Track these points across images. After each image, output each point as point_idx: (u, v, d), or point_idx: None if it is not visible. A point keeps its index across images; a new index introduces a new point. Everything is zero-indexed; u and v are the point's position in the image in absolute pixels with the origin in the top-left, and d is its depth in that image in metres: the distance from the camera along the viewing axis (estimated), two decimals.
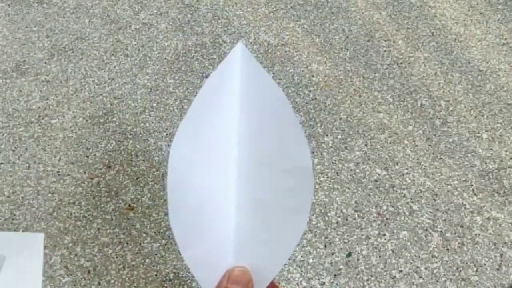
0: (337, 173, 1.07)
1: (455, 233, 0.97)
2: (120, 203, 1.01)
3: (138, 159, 1.09)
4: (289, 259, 0.93)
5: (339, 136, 1.14)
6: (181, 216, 0.38)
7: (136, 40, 1.38)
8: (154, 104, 1.21)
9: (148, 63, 1.31)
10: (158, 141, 1.13)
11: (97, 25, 1.43)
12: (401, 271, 0.91)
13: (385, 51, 1.36)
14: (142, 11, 1.48)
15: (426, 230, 0.97)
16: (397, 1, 1.52)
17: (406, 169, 1.08)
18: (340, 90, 1.25)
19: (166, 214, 0.99)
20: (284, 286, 0.89)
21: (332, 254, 0.94)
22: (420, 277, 0.91)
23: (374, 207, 1.01)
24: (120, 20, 1.45)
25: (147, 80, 1.27)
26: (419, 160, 1.09)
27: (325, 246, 0.95)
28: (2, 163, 1.08)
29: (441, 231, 0.97)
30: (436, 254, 0.94)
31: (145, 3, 1.51)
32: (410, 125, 1.17)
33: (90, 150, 1.11)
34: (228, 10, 1.49)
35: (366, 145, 1.12)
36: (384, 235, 0.96)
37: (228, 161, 0.39)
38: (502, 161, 1.10)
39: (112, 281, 0.90)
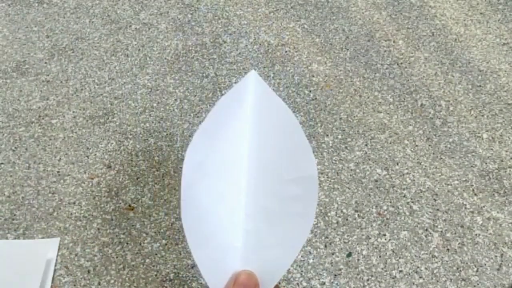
0: (337, 173, 1.07)
1: (455, 233, 0.97)
2: (120, 203, 1.01)
3: (138, 159, 1.09)
4: None
5: (339, 136, 1.14)
6: (193, 219, 0.39)
7: (136, 40, 1.38)
8: (155, 104, 1.21)
9: (148, 63, 1.31)
10: (158, 141, 1.13)
11: (97, 25, 1.43)
12: (401, 271, 0.91)
13: (385, 51, 1.36)
14: (142, 11, 1.48)
15: (426, 230, 0.97)
16: (398, 1, 1.52)
17: (406, 169, 1.08)
18: (340, 90, 1.25)
19: (166, 214, 0.99)
20: (284, 286, 0.89)
21: (332, 254, 0.94)
22: (421, 277, 0.91)
23: (374, 207, 1.01)
24: (121, 20, 1.45)
25: (147, 80, 1.27)
26: (419, 160, 1.09)
27: (325, 246, 0.95)
28: (2, 163, 1.08)
29: (441, 231, 0.97)
30: (436, 254, 0.94)
31: (146, 3, 1.51)
32: (410, 125, 1.17)
33: (90, 150, 1.11)
34: (228, 10, 1.49)
35: (366, 145, 1.12)
36: (384, 235, 0.96)
37: (239, 172, 0.41)
38: (502, 161, 1.10)
39: (112, 281, 0.90)
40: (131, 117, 1.18)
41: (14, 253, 0.92)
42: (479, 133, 1.15)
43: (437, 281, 0.90)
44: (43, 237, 0.96)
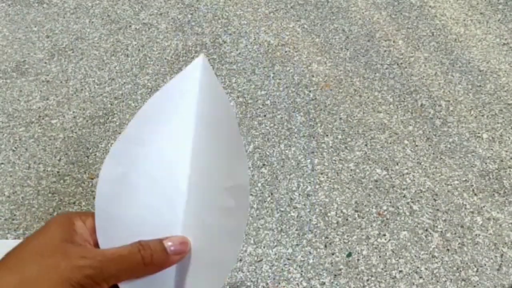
0: (337, 173, 1.07)
1: (455, 233, 0.97)
2: None
3: None
4: (289, 259, 0.93)
5: (339, 136, 1.14)
6: (110, 233, 0.36)
7: (136, 40, 1.38)
8: None
9: (148, 63, 1.31)
10: None
11: (97, 25, 1.43)
12: (401, 271, 0.91)
13: (385, 51, 1.36)
14: (142, 11, 1.48)
15: (426, 230, 0.97)
16: (397, 1, 1.52)
17: (406, 169, 1.08)
18: (340, 90, 1.25)
19: None
20: (284, 286, 0.89)
21: (332, 254, 0.94)
22: (421, 277, 0.91)
23: (374, 207, 1.01)
24: (120, 20, 1.45)
25: (147, 80, 1.27)
26: (419, 160, 1.09)
27: (325, 246, 0.95)
28: (2, 163, 1.08)
29: (441, 231, 0.97)
30: (436, 254, 0.94)
31: (145, 3, 1.51)
32: (410, 125, 1.17)
33: (90, 150, 1.11)
34: (228, 10, 1.48)
35: (366, 145, 1.12)
36: (384, 235, 0.96)
37: (179, 178, 0.37)
38: (502, 161, 1.10)
39: None
40: (131, 117, 1.18)
41: None
42: (479, 133, 1.15)
43: (437, 281, 0.90)
44: None
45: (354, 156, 1.10)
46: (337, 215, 0.99)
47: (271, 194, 1.03)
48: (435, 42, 1.38)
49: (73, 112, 1.19)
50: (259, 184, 1.04)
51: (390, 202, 1.02)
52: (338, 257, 0.93)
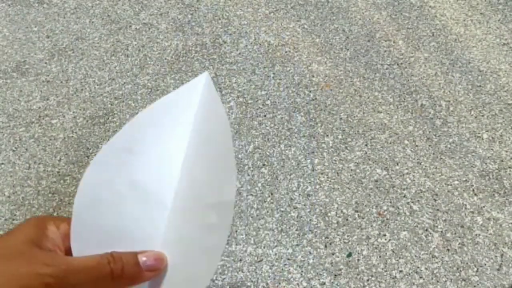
0: (337, 173, 1.07)
1: (455, 234, 0.97)
2: None
3: None
4: (289, 259, 0.93)
5: (340, 136, 1.14)
6: (85, 240, 0.35)
7: (136, 40, 1.38)
8: None
9: (148, 63, 1.31)
10: None
11: (97, 25, 1.43)
12: (401, 271, 0.91)
13: (385, 51, 1.36)
14: (142, 11, 1.48)
15: (426, 230, 0.97)
16: (398, 1, 1.52)
17: (407, 169, 1.08)
18: (341, 90, 1.25)
19: None
20: (284, 286, 0.89)
21: (333, 254, 0.94)
22: (421, 277, 0.91)
23: (374, 207, 1.01)
24: (121, 20, 1.45)
25: (147, 80, 1.27)
26: (420, 160, 1.09)
27: (326, 246, 0.95)
28: (2, 163, 1.08)
29: (442, 231, 0.97)
30: (436, 254, 0.94)
31: (146, 3, 1.51)
32: (410, 125, 1.17)
33: (91, 150, 1.11)
34: (229, 10, 1.49)
35: (366, 145, 1.12)
36: (385, 235, 0.96)
37: (165, 192, 0.36)
38: (502, 161, 1.10)
39: None
40: (131, 117, 1.18)
41: None
42: (479, 133, 1.15)
43: (437, 281, 0.90)
44: None
45: (354, 156, 1.10)
46: (337, 215, 0.99)
47: (271, 194, 1.03)
48: (435, 42, 1.38)
49: (73, 112, 1.19)
50: (259, 184, 1.04)
51: (390, 202, 1.02)
52: (338, 257, 0.93)
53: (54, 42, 1.38)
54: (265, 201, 1.02)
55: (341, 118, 1.18)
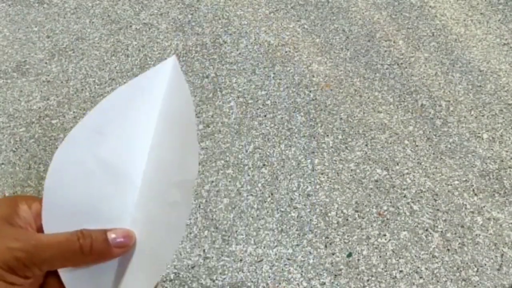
0: (337, 173, 1.07)
1: (455, 234, 0.97)
2: None
3: None
4: (289, 260, 0.93)
5: (340, 136, 1.14)
6: (55, 218, 0.35)
7: (136, 40, 1.38)
8: None
9: (148, 63, 1.31)
10: None
11: (97, 25, 1.43)
12: (401, 271, 0.91)
13: (385, 51, 1.36)
14: (142, 11, 1.48)
15: (426, 230, 0.97)
16: (398, 1, 1.52)
17: (407, 169, 1.08)
18: (341, 90, 1.25)
19: None
20: (284, 287, 0.89)
21: (333, 254, 0.94)
22: (421, 277, 0.91)
23: (374, 207, 1.01)
24: (121, 20, 1.45)
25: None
26: (420, 160, 1.09)
27: (326, 246, 0.95)
28: (2, 164, 1.09)
29: (442, 232, 0.97)
30: (436, 254, 0.94)
31: (146, 3, 1.51)
32: (410, 125, 1.17)
33: None
34: (229, 10, 1.49)
35: (366, 145, 1.12)
36: (385, 235, 0.96)
37: (135, 172, 0.37)
38: (502, 161, 1.10)
39: None
40: None
41: None
42: (479, 133, 1.15)
43: (438, 281, 0.90)
44: None
45: (355, 156, 1.10)
46: (338, 215, 0.99)
47: (271, 194, 1.03)
48: (435, 42, 1.38)
49: (74, 112, 1.19)
50: (259, 184, 1.05)
51: (391, 202, 1.02)
52: (338, 257, 0.93)
53: (54, 42, 1.38)
54: (265, 201, 1.02)
55: (341, 118, 1.18)
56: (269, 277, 0.91)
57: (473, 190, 1.04)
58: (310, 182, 1.05)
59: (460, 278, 0.91)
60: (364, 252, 0.94)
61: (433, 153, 1.11)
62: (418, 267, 0.92)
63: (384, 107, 1.21)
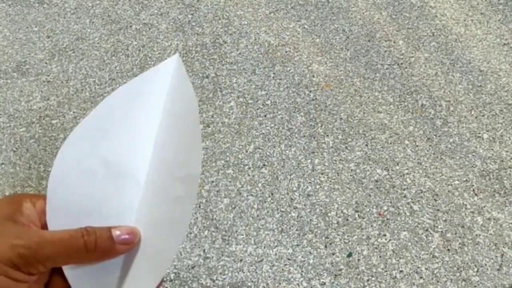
0: (337, 173, 1.07)
1: (455, 234, 0.97)
2: None
3: None
4: (289, 260, 0.93)
5: (340, 136, 1.14)
6: (60, 216, 0.35)
7: (136, 41, 1.38)
8: None
9: (149, 63, 1.31)
10: None
11: (97, 25, 1.43)
12: (401, 271, 0.91)
13: (385, 51, 1.36)
14: (142, 11, 1.48)
15: (426, 230, 0.97)
16: (398, 1, 1.52)
17: (407, 169, 1.08)
18: (341, 90, 1.25)
19: None
20: (284, 287, 0.89)
21: (333, 254, 0.94)
22: (421, 278, 0.91)
23: (374, 207, 1.01)
24: (121, 21, 1.45)
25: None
26: (420, 160, 1.09)
27: (326, 246, 0.95)
28: (3, 164, 1.09)
29: (442, 232, 0.97)
30: (436, 254, 0.94)
31: (146, 3, 1.51)
32: (410, 125, 1.17)
33: None
34: (229, 10, 1.49)
35: (366, 145, 1.12)
36: (385, 235, 0.96)
37: (138, 170, 0.37)
38: (502, 161, 1.10)
39: None
40: None
41: None
42: (479, 133, 1.15)
43: (438, 281, 0.90)
44: None
45: (355, 156, 1.10)
46: (338, 215, 0.99)
47: (272, 194, 1.03)
48: (435, 42, 1.38)
49: (74, 112, 1.19)
50: (260, 184, 1.05)
51: (391, 202, 1.02)
52: (338, 257, 0.93)
53: (54, 42, 1.38)
54: (265, 201, 1.02)
55: (341, 118, 1.18)
56: (269, 277, 0.91)
57: (473, 190, 1.04)
58: (310, 182, 1.05)
59: (460, 278, 0.91)
60: (364, 252, 0.94)
61: (433, 153, 1.11)
62: (418, 267, 0.92)
63: (384, 107, 1.21)
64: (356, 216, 0.99)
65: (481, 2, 1.52)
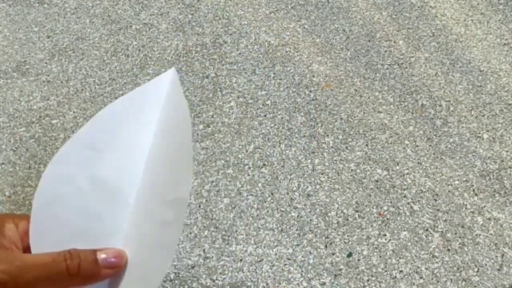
0: (337, 173, 1.07)
1: (455, 234, 0.97)
2: None
3: None
4: (289, 259, 0.93)
5: (340, 136, 1.14)
6: (44, 236, 0.34)
7: (136, 40, 1.38)
8: None
9: (149, 64, 1.31)
10: None
11: (97, 25, 1.43)
12: (401, 271, 0.91)
13: (386, 51, 1.36)
14: (142, 11, 1.48)
15: (426, 230, 0.97)
16: (398, 1, 1.52)
17: (407, 169, 1.08)
18: (341, 90, 1.25)
19: None
20: (284, 286, 0.89)
21: (333, 254, 0.94)
22: (421, 277, 0.91)
23: (374, 207, 1.01)
24: (121, 21, 1.45)
25: (147, 80, 1.27)
26: (420, 160, 1.09)
27: (326, 246, 0.95)
28: (3, 163, 1.09)
29: (442, 232, 0.97)
30: (436, 254, 0.94)
31: (146, 3, 1.51)
32: (410, 125, 1.17)
33: None
34: (229, 10, 1.49)
35: (366, 145, 1.12)
36: (385, 235, 0.96)
37: (128, 189, 0.35)
38: (503, 161, 1.10)
39: None
40: None
41: None
42: (479, 133, 1.15)
43: (438, 282, 0.90)
44: None
45: (355, 156, 1.10)
46: (338, 215, 0.99)
47: (272, 194, 1.03)
48: (435, 42, 1.38)
49: (74, 112, 1.19)
50: (259, 184, 1.04)
51: (391, 202, 1.02)
52: (338, 257, 0.93)
53: (54, 42, 1.38)
54: (265, 201, 1.02)
55: (341, 118, 1.18)
56: (269, 277, 0.91)
57: (474, 190, 1.04)
58: (310, 182, 1.05)
59: (460, 278, 0.91)
60: (364, 252, 0.94)
61: (434, 153, 1.11)
62: (418, 267, 0.92)
63: (384, 107, 1.21)
64: (356, 216, 0.99)
65: (481, 2, 1.52)
